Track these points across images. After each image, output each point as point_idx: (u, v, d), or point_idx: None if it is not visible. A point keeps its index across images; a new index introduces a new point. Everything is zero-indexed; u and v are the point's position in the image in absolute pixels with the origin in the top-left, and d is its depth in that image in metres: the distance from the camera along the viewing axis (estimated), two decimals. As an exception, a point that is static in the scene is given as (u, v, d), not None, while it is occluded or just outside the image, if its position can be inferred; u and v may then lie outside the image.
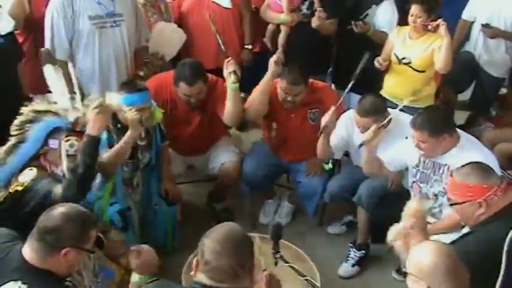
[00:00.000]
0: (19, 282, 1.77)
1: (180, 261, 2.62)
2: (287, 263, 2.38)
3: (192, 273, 1.68)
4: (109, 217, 2.83)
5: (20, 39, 3.39)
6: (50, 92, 3.55)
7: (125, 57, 3.31)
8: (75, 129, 2.31)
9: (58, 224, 1.83)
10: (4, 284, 1.78)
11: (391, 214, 2.87)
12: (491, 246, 1.99)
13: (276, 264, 2.35)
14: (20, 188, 2.16)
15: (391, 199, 2.97)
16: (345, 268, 3.22)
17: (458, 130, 2.73)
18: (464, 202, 2.08)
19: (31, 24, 3.38)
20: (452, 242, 2.17)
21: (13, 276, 1.79)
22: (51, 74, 2.44)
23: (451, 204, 2.15)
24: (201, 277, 1.64)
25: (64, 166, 2.30)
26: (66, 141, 2.26)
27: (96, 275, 2.41)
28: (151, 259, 2.34)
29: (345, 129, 3.15)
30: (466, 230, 2.27)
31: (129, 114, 2.77)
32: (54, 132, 2.27)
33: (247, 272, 1.65)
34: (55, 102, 2.38)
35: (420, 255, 1.71)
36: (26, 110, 2.30)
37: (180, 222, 3.29)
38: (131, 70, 3.40)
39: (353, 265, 3.22)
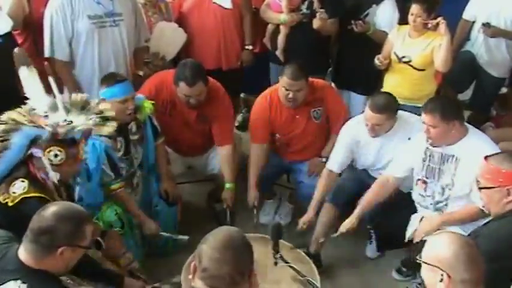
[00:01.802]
0: (19, 282, 1.77)
1: (180, 262, 2.61)
2: (287, 263, 2.38)
3: (190, 276, 1.66)
4: (108, 218, 2.82)
5: (19, 40, 3.38)
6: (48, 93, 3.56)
7: (124, 56, 3.31)
8: (56, 138, 2.23)
9: (51, 224, 1.81)
10: (4, 283, 1.78)
11: (394, 223, 2.93)
12: None
13: (275, 264, 2.35)
14: (10, 204, 2.14)
15: (392, 208, 2.99)
16: None
17: (467, 124, 2.74)
18: (493, 187, 2.10)
19: (30, 24, 3.37)
20: (476, 231, 2.18)
21: (10, 277, 1.78)
22: (26, 77, 2.36)
23: (480, 188, 2.17)
24: (199, 284, 1.60)
25: (52, 175, 2.26)
26: (48, 151, 2.22)
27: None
28: None
29: (351, 137, 3.13)
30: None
31: (113, 107, 2.71)
32: (36, 141, 2.22)
33: (246, 278, 1.61)
34: (33, 109, 2.31)
35: (440, 245, 1.69)
36: (5, 118, 2.24)
37: (180, 222, 3.28)
38: (131, 70, 3.40)
39: None
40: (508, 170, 2.08)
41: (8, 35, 3.14)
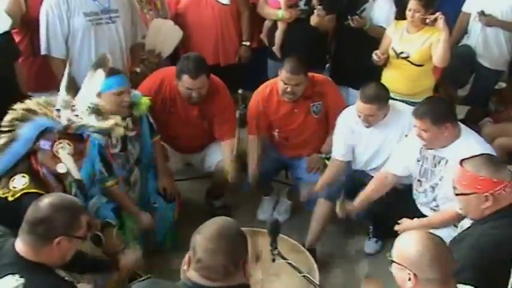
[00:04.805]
0: (17, 276, 1.77)
1: (179, 259, 2.61)
2: (285, 259, 2.38)
3: (185, 267, 1.66)
4: (105, 215, 2.82)
5: (17, 38, 3.37)
6: (47, 91, 3.56)
7: (121, 53, 3.30)
8: (67, 132, 2.25)
9: (47, 214, 1.82)
10: (1, 277, 1.78)
11: (391, 212, 2.92)
12: (498, 242, 1.97)
13: (273, 260, 2.35)
14: (10, 198, 2.15)
15: (389, 198, 2.96)
16: None
17: (460, 124, 2.71)
18: (471, 193, 2.04)
19: (28, 23, 3.36)
20: (456, 238, 2.16)
21: (7, 271, 1.79)
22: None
23: (457, 194, 2.11)
24: (193, 275, 1.61)
25: (61, 166, 2.27)
26: (58, 144, 2.23)
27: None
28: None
29: (345, 126, 3.13)
30: (467, 224, 2.24)
31: (109, 99, 2.70)
32: (46, 133, 2.23)
33: (241, 268, 1.62)
34: (50, 102, 2.32)
35: (405, 244, 1.70)
36: (17, 107, 2.26)
37: (178, 219, 3.28)
38: (128, 67, 3.39)
39: None
40: (485, 176, 2.01)
41: (6, 34, 3.13)
